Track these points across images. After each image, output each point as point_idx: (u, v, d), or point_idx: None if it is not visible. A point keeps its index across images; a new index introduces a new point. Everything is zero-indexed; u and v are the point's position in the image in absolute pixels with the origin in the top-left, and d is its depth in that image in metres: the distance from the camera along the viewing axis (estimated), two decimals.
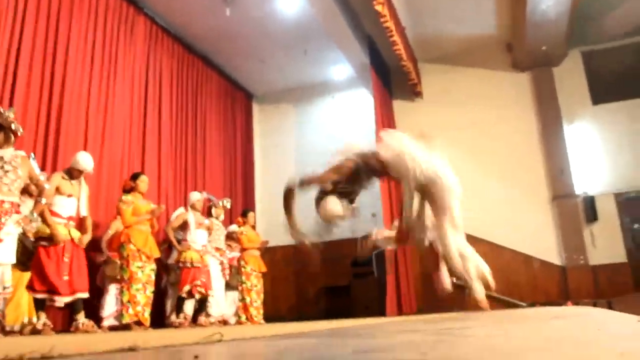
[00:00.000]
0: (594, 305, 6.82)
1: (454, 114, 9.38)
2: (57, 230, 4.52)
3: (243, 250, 7.29)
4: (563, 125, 8.98)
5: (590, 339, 1.51)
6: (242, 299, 7.14)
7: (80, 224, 4.86)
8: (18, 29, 5.58)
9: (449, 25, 8.92)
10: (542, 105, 9.10)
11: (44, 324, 4.43)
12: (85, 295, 4.67)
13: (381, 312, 7.42)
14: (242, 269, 7.21)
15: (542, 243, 8.51)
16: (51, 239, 4.51)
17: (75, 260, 4.62)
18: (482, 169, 8.93)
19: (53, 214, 4.61)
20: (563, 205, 8.68)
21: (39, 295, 4.44)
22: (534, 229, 8.56)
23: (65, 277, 4.50)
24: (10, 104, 5.04)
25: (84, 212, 4.84)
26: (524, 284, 8.45)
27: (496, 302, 8.48)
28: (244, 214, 7.60)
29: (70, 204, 4.73)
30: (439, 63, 9.76)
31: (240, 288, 7.17)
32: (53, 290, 4.43)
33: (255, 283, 7.26)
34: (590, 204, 8.57)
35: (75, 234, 4.70)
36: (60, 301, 4.52)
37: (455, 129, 9.27)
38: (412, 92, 9.62)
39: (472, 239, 8.47)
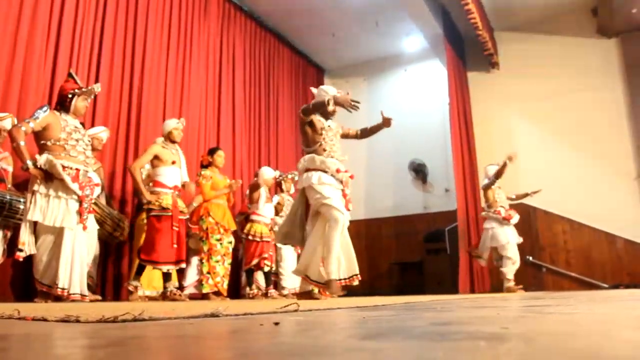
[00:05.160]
0: None
1: (532, 84, 8.95)
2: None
3: None
4: None
5: None
6: None
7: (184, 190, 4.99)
8: (100, 14, 5.87)
9: None
10: (631, 74, 8.48)
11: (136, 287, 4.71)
12: (185, 265, 4.87)
13: (454, 289, 7.33)
14: None
15: (627, 221, 7.94)
16: (163, 209, 4.68)
17: (181, 230, 4.83)
18: (562, 142, 8.48)
19: (159, 184, 4.79)
20: None
21: (146, 264, 4.68)
22: (618, 206, 8.01)
23: (175, 246, 4.71)
24: (96, 82, 5.30)
25: (186, 177, 5.00)
26: (607, 264, 8.03)
27: (575, 283, 8.15)
28: None
29: (174, 172, 4.86)
30: (517, 31, 9.29)
31: None
32: (157, 260, 4.63)
33: None
34: None
35: (182, 203, 4.86)
36: (168, 269, 4.75)
37: (534, 100, 8.87)
38: (488, 62, 9.25)
39: (550, 216, 8.25)
